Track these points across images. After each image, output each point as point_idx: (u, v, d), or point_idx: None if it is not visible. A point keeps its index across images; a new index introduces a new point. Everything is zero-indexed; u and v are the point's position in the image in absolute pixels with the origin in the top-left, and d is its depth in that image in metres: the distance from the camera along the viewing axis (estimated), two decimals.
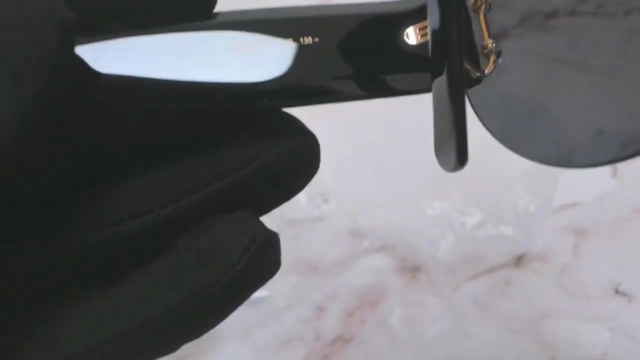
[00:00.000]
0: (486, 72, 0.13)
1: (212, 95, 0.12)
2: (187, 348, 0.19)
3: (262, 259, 0.12)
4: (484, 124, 0.14)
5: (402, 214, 0.31)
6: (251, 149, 0.12)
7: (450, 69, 0.11)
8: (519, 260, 0.29)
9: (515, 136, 0.14)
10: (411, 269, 0.29)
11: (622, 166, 0.30)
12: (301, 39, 0.12)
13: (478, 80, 0.13)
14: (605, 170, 0.29)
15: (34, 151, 0.09)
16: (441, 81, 0.12)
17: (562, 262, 0.28)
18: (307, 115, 0.13)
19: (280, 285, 0.29)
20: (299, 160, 0.13)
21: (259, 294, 0.30)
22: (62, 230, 0.11)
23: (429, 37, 0.12)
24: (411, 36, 0.13)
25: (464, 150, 0.12)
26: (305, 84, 0.12)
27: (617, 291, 0.27)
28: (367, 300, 0.28)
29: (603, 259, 0.28)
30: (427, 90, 0.13)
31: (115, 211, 0.12)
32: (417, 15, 0.13)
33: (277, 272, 0.13)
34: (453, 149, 0.12)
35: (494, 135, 0.14)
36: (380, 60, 0.13)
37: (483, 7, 0.13)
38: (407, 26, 0.13)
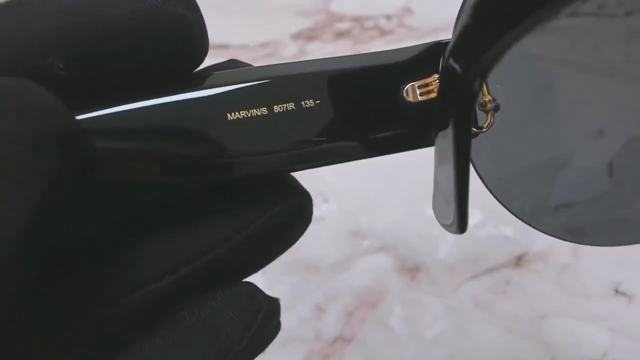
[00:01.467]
0: (484, 127, 0.13)
1: (211, 167, 0.12)
2: None
3: (264, 331, 0.13)
4: (479, 175, 0.14)
5: (402, 214, 0.31)
6: (246, 213, 0.13)
7: (458, 135, 0.11)
8: (519, 260, 0.29)
9: (507, 189, 0.14)
10: (411, 269, 0.29)
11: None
12: (303, 103, 0.12)
13: (475, 135, 0.13)
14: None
15: (42, 239, 0.09)
16: (445, 140, 0.12)
17: (562, 262, 0.28)
18: None
19: (280, 285, 0.29)
20: (293, 221, 0.13)
21: None
22: (69, 307, 0.11)
23: (436, 95, 0.12)
24: (412, 93, 0.12)
25: (464, 218, 0.12)
26: (307, 147, 0.12)
27: (617, 291, 0.27)
28: (367, 300, 0.28)
29: (603, 259, 0.28)
30: (429, 145, 0.13)
31: (114, 285, 0.12)
32: (416, 69, 0.12)
33: (277, 334, 0.13)
34: (453, 213, 0.12)
35: (486, 186, 0.14)
36: (379, 119, 0.12)
37: None
38: (407, 81, 0.12)
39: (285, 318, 0.31)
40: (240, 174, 0.12)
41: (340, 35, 0.48)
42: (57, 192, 0.09)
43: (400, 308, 0.28)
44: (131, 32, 0.11)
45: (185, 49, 0.11)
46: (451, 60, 0.11)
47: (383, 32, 0.47)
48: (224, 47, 0.46)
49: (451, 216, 0.12)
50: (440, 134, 0.12)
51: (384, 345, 0.27)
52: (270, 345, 0.28)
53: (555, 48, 0.15)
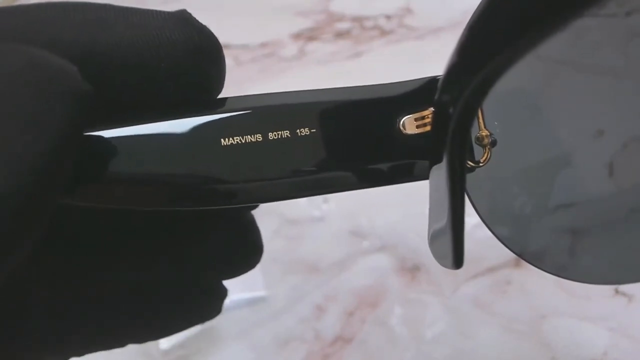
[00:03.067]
0: (481, 162, 0.13)
1: (200, 193, 0.12)
2: (187, 348, 0.19)
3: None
4: (476, 210, 0.14)
5: (402, 214, 0.31)
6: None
7: (452, 170, 0.11)
8: (519, 260, 0.29)
9: (505, 226, 0.14)
10: (411, 269, 0.29)
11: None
12: (298, 131, 0.12)
13: (472, 170, 0.13)
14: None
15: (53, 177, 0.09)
16: (440, 173, 0.11)
17: None
18: None
19: (280, 285, 0.29)
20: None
21: (259, 293, 0.29)
22: None
23: (430, 128, 0.12)
24: (408, 126, 0.12)
25: (460, 254, 0.11)
26: (301, 176, 0.12)
27: (617, 291, 0.27)
28: (367, 300, 0.28)
29: None
30: (423, 178, 0.12)
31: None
32: (413, 102, 0.12)
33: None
34: (449, 249, 0.11)
35: (484, 222, 0.14)
36: (375, 151, 0.12)
37: None
38: (404, 114, 0.12)
39: (285, 318, 0.31)
40: (231, 202, 0.12)
41: (340, 35, 0.48)
42: (56, 167, 0.09)
43: (400, 308, 0.28)
44: (148, 61, 0.11)
45: (199, 83, 0.12)
46: (441, 94, 0.11)
47: (383, 32, 0.47)
48: (224, 46, 0.46)
49: (446, 251, 0.12)
50: (434, 168, 0.12)
51: (384, 345, 0.27)
52: (270, 345, 0.28)
53: (555, 48, 0.15)
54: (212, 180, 0.11)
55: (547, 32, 0.09)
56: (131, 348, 0.15)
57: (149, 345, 0.26)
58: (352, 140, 0.12)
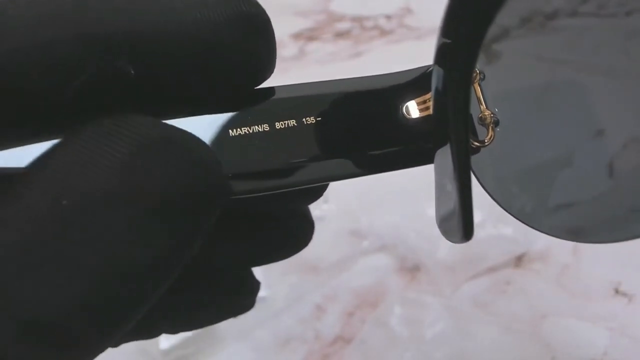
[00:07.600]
0: (486, 141, 0.13)
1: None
2: (187, 348, 0.19)
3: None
4: (485, 188, 0.14)
5: (402, 214, 0.31)
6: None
7: (457, 145, 0.11)
8: (519, 261, 0.29)
9: (507, 192, 0.14)
10: (411, 269, 0.29)
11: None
12: (304, 119, 0.12)
13: (477, 150, 0.13)
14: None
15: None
16: (445, 153, 0.12)
17: (562, 262, 0.28)
18: None
19: (280, 285, 0.29)
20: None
21: (258, 293, 0.29)
22: None
23: (431, 110, 0.12)
24: (411, 110, 0.13)
25: (469, 226, 0.11)
26: (308, 164, 0.12)
27: (617, 291, 0.27)
28: (367, 300, 0.28)
29: (603, 258, 0.28)
30: (428, 162, 0.13)
31: None
32: (415, 89, 0.13)
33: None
34: (458, 223, 0.12)
35: (494, 199, 0.14)
36: (380, 137, 0.13)
37: (477, 77, 0.13)
38: (406, 100, 0.13)
39: (285, 318, 0.31)
40: (239, 192, 0.12)
41: (340, 35, 0.48)
42: (199, 236, 0.10)
43: (400, 308, 0.28)
44: (202, 58, 0.11)
45: (249, 79, 0.12)
46: (434, 73, 0.11)
47: (383, 32, 0.47)
48: None
49: (455, 224, 0.12)
50: (439, 151, 0.12)
51: (384, 345, 0.27)
52: (270, 345, 0.28)
53: (555, 48, 0.15)
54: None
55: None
56: (131, 348, 0.15)
57: (149, 344, 0.26)
58: (357, 126, 0.12)
